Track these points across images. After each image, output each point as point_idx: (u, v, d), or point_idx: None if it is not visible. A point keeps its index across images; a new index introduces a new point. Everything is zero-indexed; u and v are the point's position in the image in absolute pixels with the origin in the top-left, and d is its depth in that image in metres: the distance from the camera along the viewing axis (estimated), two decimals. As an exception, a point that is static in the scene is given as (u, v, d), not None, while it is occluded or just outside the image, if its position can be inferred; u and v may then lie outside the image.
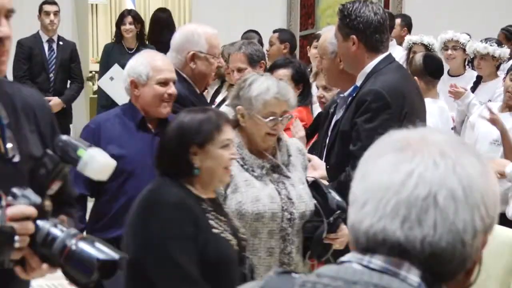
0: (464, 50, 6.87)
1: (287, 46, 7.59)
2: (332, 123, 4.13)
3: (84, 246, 1.99)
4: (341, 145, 3.89)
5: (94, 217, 4.03)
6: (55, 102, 7.80)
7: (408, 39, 7.20)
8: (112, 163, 2.22)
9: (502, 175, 4.40)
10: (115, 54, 8.53)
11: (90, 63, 10.73)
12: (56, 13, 8.06)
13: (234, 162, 3.44)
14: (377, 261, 1.33)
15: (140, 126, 3.97)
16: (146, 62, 3.96)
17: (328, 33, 4.36)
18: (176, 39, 4.45)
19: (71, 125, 8.19)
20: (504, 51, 6.49)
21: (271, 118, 3.54)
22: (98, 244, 2.00)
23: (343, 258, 1.38)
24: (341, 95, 4.22)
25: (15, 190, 2.00)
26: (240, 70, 5.23)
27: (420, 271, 1.31)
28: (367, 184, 1.36)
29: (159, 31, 8.63)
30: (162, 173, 3.16)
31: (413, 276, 1.31)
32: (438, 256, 1.30)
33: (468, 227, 1.30)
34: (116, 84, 8.34)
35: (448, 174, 1.31)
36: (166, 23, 8.90)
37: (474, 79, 6.77)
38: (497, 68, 6.59)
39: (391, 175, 1.33)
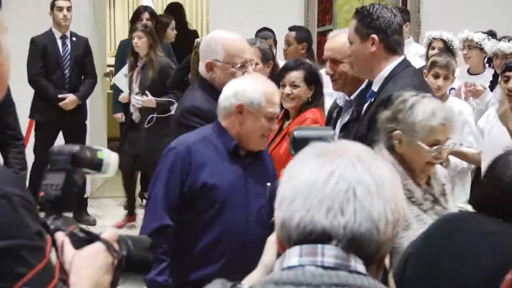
0: (481, 49, 6.81)
1: (305, 47, 7.49)
2: (337, 127, 4.10)
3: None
4: None
5: (176, 254, 3.64)
6: (70, 99, 7.77)
7: (428, 34, 7.14)
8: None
9: None
10: (130, 50, 8.51)
11: (107, 57, 10.69)
12: (69, 8, 7.97)
13: None
14: (329, 259, 1.52)
15: (232, 153, 3.68)
16: (261, 90, 3.61)
17: (342, 35, 4.31)
18: (201, 45, 4.25)
19: (86, 122, 8.14)
20: None
21: (436, 146, 3.22)
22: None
23: (290, 263, 1.55)
24: (347, 98, 4.19)
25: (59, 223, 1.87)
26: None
27: (362, 258, 1.52)
28: (295, 184, 1.57)
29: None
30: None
31: (360, 265, 1.53)
32: (358, 240, 1.52)
33: (382, 217, 1.53)
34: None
35: (364, 173, 1.54)
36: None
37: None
38: None
39: (316, 174, 1.55)
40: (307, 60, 5.32)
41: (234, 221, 3.61)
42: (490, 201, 2.66)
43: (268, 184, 3.78)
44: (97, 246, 1.82)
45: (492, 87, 6.54)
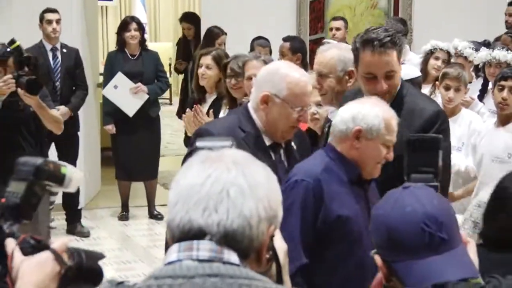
0: (465, 57, 6.79)
1: (299, 58, 7.46)
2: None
3: None
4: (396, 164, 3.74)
5: None
6: (62, 111, 7.72)
7: (434, 43, 7.03)
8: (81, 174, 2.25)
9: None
10: (118, 61, 8.50)
11: (100, 66, 10.65)
12: (58, 21, 7.94)
13: None
14: (204, 252, 1.69)
15: (355, 181, 3.45)
16: (380, 115, 3.36)
17: (334, 50, 4.28)
18: (259, 73, 3.80)
19: (79, 133, 8.12)
20: None
21: None
22: None
23: (170, 259, 1.72)
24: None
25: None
26: None
27: (236, 251, 1.69)
28: (178, 189, 1.75)
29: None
30: None
31: (233, 256, 1.70)
32: (231, 235, 1.70)
33: (253, 214, 1.71)
34: (120, 92, 8.32)
35: (238, 175, 1.73)
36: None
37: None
38: None
39: (195, 178, 1.73)
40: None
41: (365, 253, 3.16)
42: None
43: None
44: (46, 254, 1.92)
45: (481, 96, 6.53)
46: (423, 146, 2.48)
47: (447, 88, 5.74)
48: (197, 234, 1.70)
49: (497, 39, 7.72)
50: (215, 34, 8.86)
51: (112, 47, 11.36)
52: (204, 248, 1.69)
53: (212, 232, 1.69)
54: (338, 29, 8.66)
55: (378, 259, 2.06)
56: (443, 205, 2.04)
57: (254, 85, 3.77)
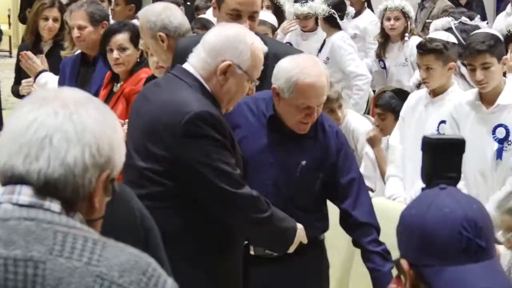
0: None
1: (132, 8, 7.17)
2: None
3: None
4: None
5: None
6: None
7: (385, 4, 6.96)
8: None
9: None
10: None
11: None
12: None
13: None
14: (24, 197, 1.64)
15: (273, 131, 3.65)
16: (295, 79, 3.42)
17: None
18: (212, 37, 3.27)
19: None
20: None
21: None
22: None
23: None
24: None
25: None
26: (80, 27, 5.23)
27: (59, 200, 1.65)
28: (6, 131, 1.68)
29: None
30: None
31: (55, 204, 1.65)
32: (52, 184, 1.64)
33: (78, 162, 1.65)
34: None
35: (64, 121, 1.65)
36: None
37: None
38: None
39: (20, 122, 1.66)
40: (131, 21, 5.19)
41: None
42: None
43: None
44: None
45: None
46: (447, 149, 2.19)
47: None
48: (19, 181, 1.65)
49: None
50: None
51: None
52: (26, 193, 1.65)
53: (33, 181, 1.64)
54: None
55: (404, 263, 1.88)
56: (483, 211, 1.90)
57: (206, 51, 3.23)
